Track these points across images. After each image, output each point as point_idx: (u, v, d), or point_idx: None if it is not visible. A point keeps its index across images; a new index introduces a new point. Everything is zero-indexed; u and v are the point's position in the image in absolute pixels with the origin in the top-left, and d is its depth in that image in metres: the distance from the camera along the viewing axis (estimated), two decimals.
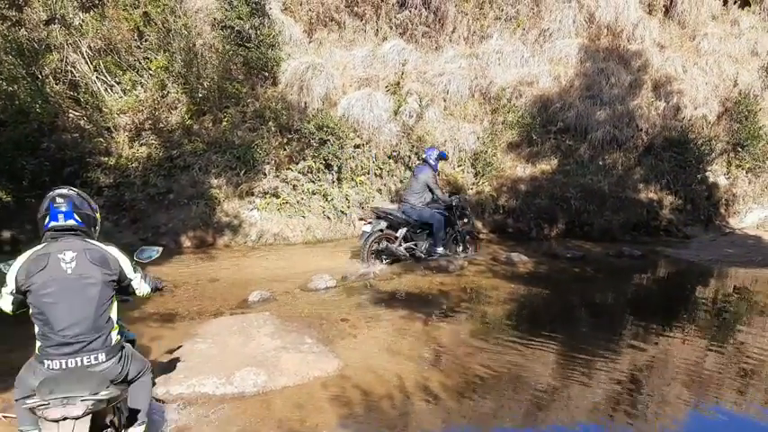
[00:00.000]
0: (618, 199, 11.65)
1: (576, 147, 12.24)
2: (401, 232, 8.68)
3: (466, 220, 9.56)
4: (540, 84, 12.86)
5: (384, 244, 8.64)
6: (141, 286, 3.47)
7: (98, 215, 3.42)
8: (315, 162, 11.06)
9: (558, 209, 11.52)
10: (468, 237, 9.52)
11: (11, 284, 3.04)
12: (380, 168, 11.56)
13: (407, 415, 4.25)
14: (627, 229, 11.53)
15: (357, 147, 11.45)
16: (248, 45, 11.38)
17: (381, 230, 8.55)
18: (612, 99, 12.75)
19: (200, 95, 11.11)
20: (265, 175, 10.88)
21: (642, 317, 7.00)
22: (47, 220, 3.15)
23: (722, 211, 12.04)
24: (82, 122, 10.61)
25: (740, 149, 12.24)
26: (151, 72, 11.15)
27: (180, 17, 11.10)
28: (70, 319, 3.01)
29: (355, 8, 13.36)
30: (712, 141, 12.28)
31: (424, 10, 13.46)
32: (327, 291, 7.45)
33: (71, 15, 10.47)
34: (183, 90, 11.13)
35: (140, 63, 11.23)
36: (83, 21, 10.68)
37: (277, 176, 10.94)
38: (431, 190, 8.83)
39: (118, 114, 10.80)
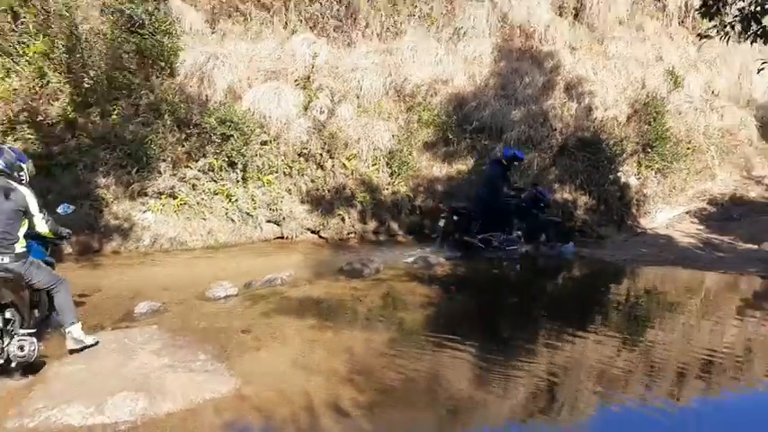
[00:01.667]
0: None
1: (491, 146, 11.93)
2: (475, 225, 9.72)
3: (545, 211, 10.44)
4: (456, 82, 12.53)
5: (459, 236, 9.67)
6: (41, 224, 4.77)
7: (24, 165, 4.80)
8: (217, 159, 10.16)
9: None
10: (553, 225, 10.40)
11: None
12: (290, 167, 10.79)
13: None
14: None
15: (264, 143, 10.63)
16: (141, 32, 10.33)
17: (456, 224, 9.64)
18: (527, 99, 12.60)
19: (86, 86, 9.94)
20: (161, 173, 9.90)
21: (560, 316, 6.75)
22: None
23: (634, 211, 12.08)
24: None
25: (649, 150, 12.36)
26: (28, 58, 9.87)
27: None
28: None
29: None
30: (623, 142, 12.34)
31: (335, 4, 12.86)
32: (228, 300, 6.66)
33: None
34: (66, 79, 9.92)
35: (15, 48, 9.91)
36: None
37: (174, 175, 9.98)
38: (500, 186, 9.86)
39: None
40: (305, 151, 10.95)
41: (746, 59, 13.77)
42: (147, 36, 10.34)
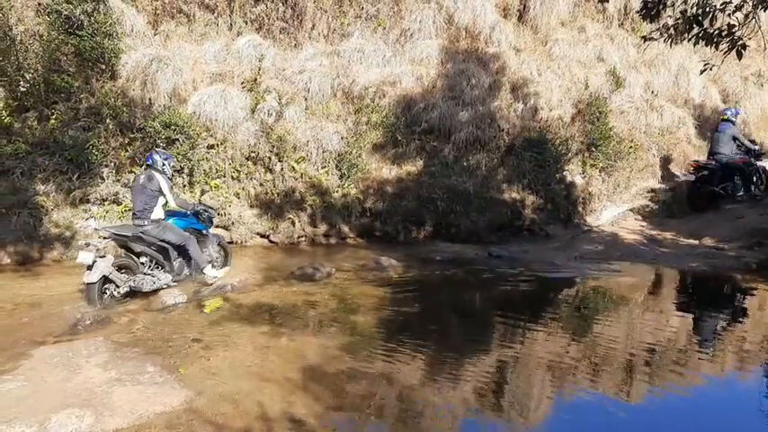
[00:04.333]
0: (483, 199, 11.54)
1: (440, 148, 12.02)
2: (716, 177, 11.51)
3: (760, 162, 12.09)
4: (403, 84, 12.52)
5: (706, 188, 11.61)
6: (170, 200, 7.05)
7: (166, 162, 7.18)
8: None
9: (424, 211, 11.21)
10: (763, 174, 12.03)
11: None
12: (238, 171, 10.62)
13: None
14: (492, 229, 11.45)
15: (211, 147, 10.44)
16: (80, 33, 10.00)
17: (702, 177, 11.58)
18: (474, 100, 12.70)
19: (22, 89, 9.64)
20: (103, 179, 9.64)
21: (512, 316, 6.73)
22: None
23: (580, 209, 12.31)
24: None
25: (594, 149, 12.61)
26: None
27: None
28: (135, 204, 6.95)
29: (206, 0, 12.34)
30: (568, 141, 12.56)
31: (281, 5, 12.73)
32: (177, 307, 6.50)
33: None
34: (0, 82, 9.53)
35: None
36: None
37: (117, 181, 9.72)
38: (738, 140, 11.62)
39: None
40: (253, 155, 10.80)
41: (683, 60, 14.25)
42: (86, 37, 10.02)
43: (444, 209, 11.17)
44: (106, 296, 6.57)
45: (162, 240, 7.03)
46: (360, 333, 5.92)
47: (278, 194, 10.75)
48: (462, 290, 8.19)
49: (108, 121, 9.90)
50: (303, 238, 10.75)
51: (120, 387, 4.23)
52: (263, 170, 10.86)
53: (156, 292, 6.99)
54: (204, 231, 7.90)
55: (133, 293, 6.89)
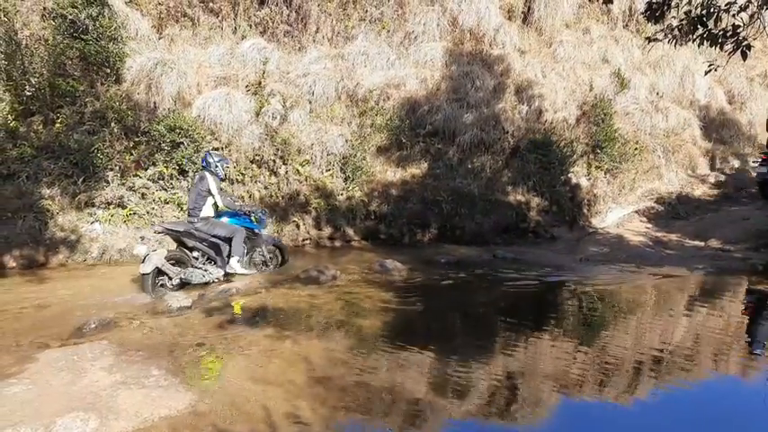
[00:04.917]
0: (488, 202, 11.53)
1: (445, 150, 12.02)
2: None
3: None
4: (408, 86, 12.54)
5: None
6: (218, 200, 7.61)
7: (219, 164, 7.78)
8: (167, 167, 9.93)
9: (429, 213, 11.20)
10: None
11: None
12: (242, 174, 10.63)
13: None
14: (498, 231, 11.42)
15: (215, 150, 10.44)
16: (85, 37, 10.04)
17: None
18: (478, 102, 12.70)
19: (28, 93, 9.66)
20: (108, 182, 9.63)
21: (517, 319, 6.69)
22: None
23: (585, 211, 12.28)
24: None
25: (598, 151, 12.60)
26: None
27: None
28: (189, 202, 7.73)
29: (211, 4, 12.39)
30: (573, 143, 12.54)
31: (285, 8, 12.80)
32: (181, 311, 6.46)
33: None
34: (6, 87, 9.61)
35: None
36: None
37: (122, 184, 9.72)
38: None
39: None
40: (257, 158, 10.81)
41: (688, 61, 14.23)
42: (91, 42, 10.06)
43: (449, 211, 11.17)
44: (158, 286, 7.15)
45: (213, 236, 7.63)
46: (365, 336, 5.89)
47: (282, 197, 10.76)
48: (468, 293, 8.14)
49: (113, 124, 9.91)
50: (308, 241, 10.75)
51: (124, 390, 4.22)
52: (268, 173, 10.87)
53: (162, 295, 7.01)
54: (257, 231, 8.29)
55: (185, 285, 7.42)
